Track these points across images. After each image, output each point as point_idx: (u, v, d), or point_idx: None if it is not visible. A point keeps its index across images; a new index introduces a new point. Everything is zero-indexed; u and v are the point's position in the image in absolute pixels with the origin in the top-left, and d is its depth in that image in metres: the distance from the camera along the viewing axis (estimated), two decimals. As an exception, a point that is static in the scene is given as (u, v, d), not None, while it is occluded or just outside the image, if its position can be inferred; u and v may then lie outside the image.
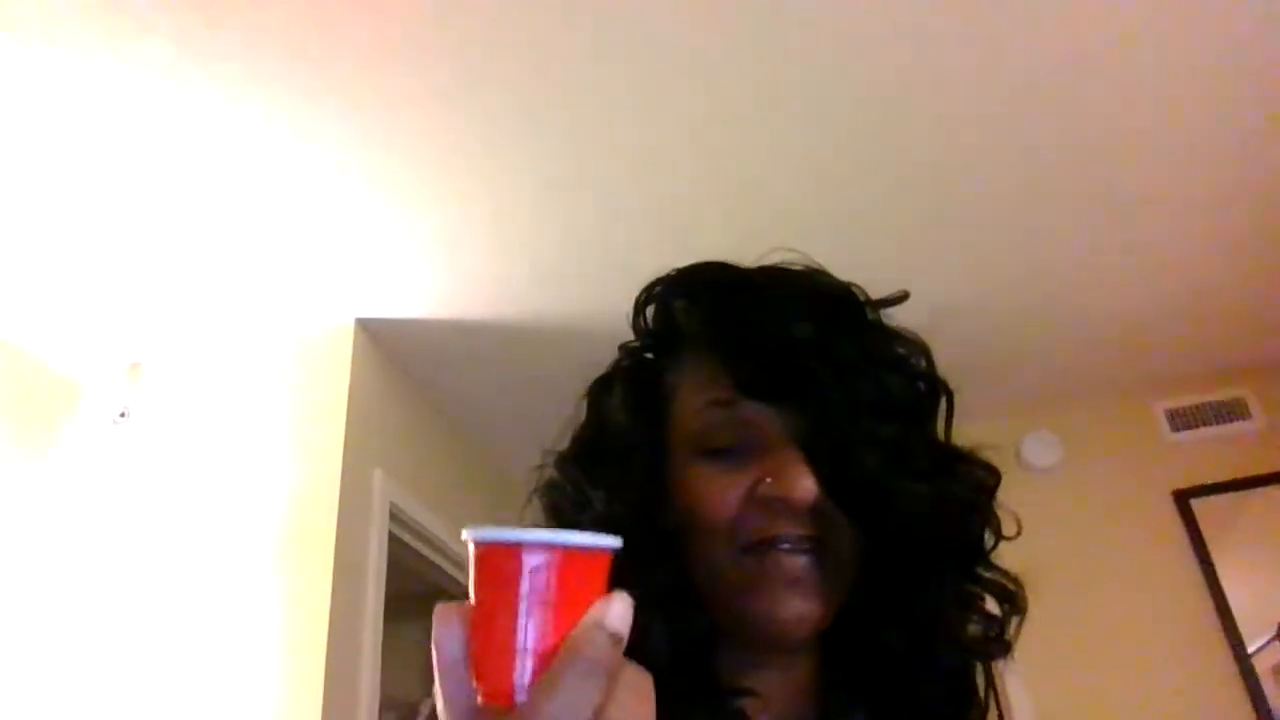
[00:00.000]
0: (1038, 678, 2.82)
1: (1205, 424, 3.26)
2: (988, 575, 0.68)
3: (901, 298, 0.72)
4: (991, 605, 0.70)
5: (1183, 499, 3.15)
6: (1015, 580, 0.69)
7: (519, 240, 2.43)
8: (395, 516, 2.66)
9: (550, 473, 0.74)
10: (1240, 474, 3.13)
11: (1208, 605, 2.98)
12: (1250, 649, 2.88)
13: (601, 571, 0.41)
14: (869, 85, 2.08)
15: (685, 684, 0.63)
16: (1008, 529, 0.69)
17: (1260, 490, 3.10)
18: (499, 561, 0.39)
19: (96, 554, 2.46)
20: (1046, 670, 2.79)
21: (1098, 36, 2.01)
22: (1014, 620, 0.68)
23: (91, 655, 2.32)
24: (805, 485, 0.61)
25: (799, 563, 0.62)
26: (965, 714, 0.67)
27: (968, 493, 0.68)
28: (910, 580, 0.65)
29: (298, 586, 2.28)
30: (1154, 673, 2.91)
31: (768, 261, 0.74)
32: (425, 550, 2.87)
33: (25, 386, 2.60)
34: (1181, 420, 3.28)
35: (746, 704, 0.66)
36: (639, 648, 0.60)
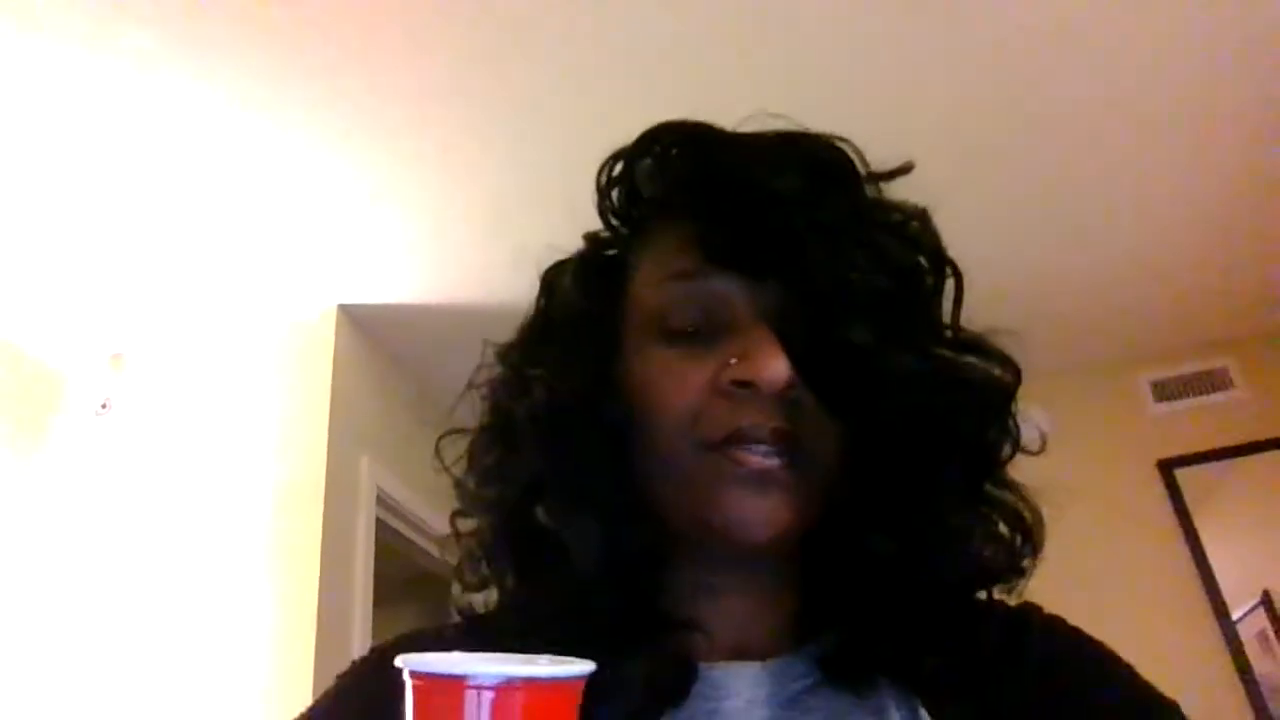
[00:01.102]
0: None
1: (1189, 395, 3.28)
2: (999, 493, 0.58)
3: (905, 169, 0.62)
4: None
5: (1167, 469, 3.16)
6: (1032, 505, 0.59)
7: (503, 224, 2.41)
8: (383, 502, 2.65)
9: (493, 370, 0.65)
10: (1224, 444, 3.15)
11: (1192, 573, 3.01)
12: (1235, 616, 2.91)
13: (569, 707, 0.33)
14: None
15: (620, 611, 0.56)
16: (1029, 441, 0.59)
17: (1243, 459, 3.12)
18: (438, 699, 0.32)
19: (83, 547, 2.44)
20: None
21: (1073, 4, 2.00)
22: (1027, 553, 0.58)
23: (79, 649, 2.31)
24: (775, 366, 0.52)
25: (766, 458, 0.53)
26: (951, 642, 0.57)
27: (977, 384, 0.58)
28: (901, 480, 0.55)
29: (286, 574, 2.28)
30: (1138, 641, 2.88)
31: (747, 127, 0.63)
32: (414, 535, 2.86)
33: (8, 378, 2.57)
34: (1165, 391, 3.30)
35: (695, 639, 0.57)
36: (568, 564, 0.55)
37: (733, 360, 0.54)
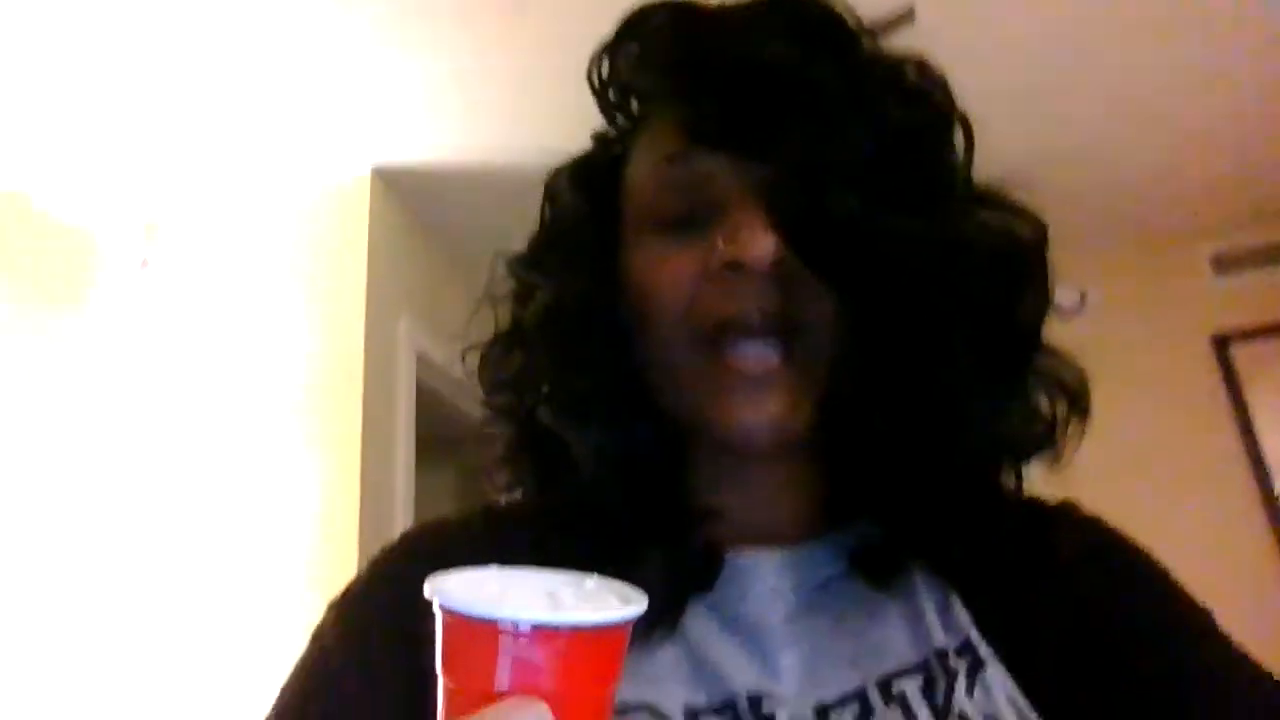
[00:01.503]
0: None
1: (1249, 268, 3.16)
2: (1031, 358, 0.54)
3: (904, 18, 0.58)
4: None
5: (1221, 344, 3.08)
6: (1074, 370, 0.55)
7: (541, 78, 2.32)
8: (422, 362, 2.66)
9: (499, 281, 0.65)
10: (1281, 319, 3.05)
11: (1239, 450, 2.97)
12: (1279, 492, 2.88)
13: (614, 653, 0.31)
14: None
15: (640, 503, 0.56)
16: (1065, 297, 0.56)
17: (1302, 335, 3.03)
18: (471, 638, 0.30)
19: (123, 408, 2.48)
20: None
21: None
22: (1071, 422, 0.55)
23: (119, 506, 2.37)
24: (761, 243, 0.50)
25: (762, 356, 0.52)
26: (984, 534, 0.55)
27: (988, 244, 0.54)
28: (906, 354, 0.52)
29: (328, 436, 2.30)
30: (1182, 514, 2.92)
31: None
32: (454, 395, 2.88)
33: (45, 245, 2.56)
34: (1225, 264, 3.18)
35: (719, 528, 0.56)
36: (588, 462, 0.55)
37: (720, 242, 0.52)
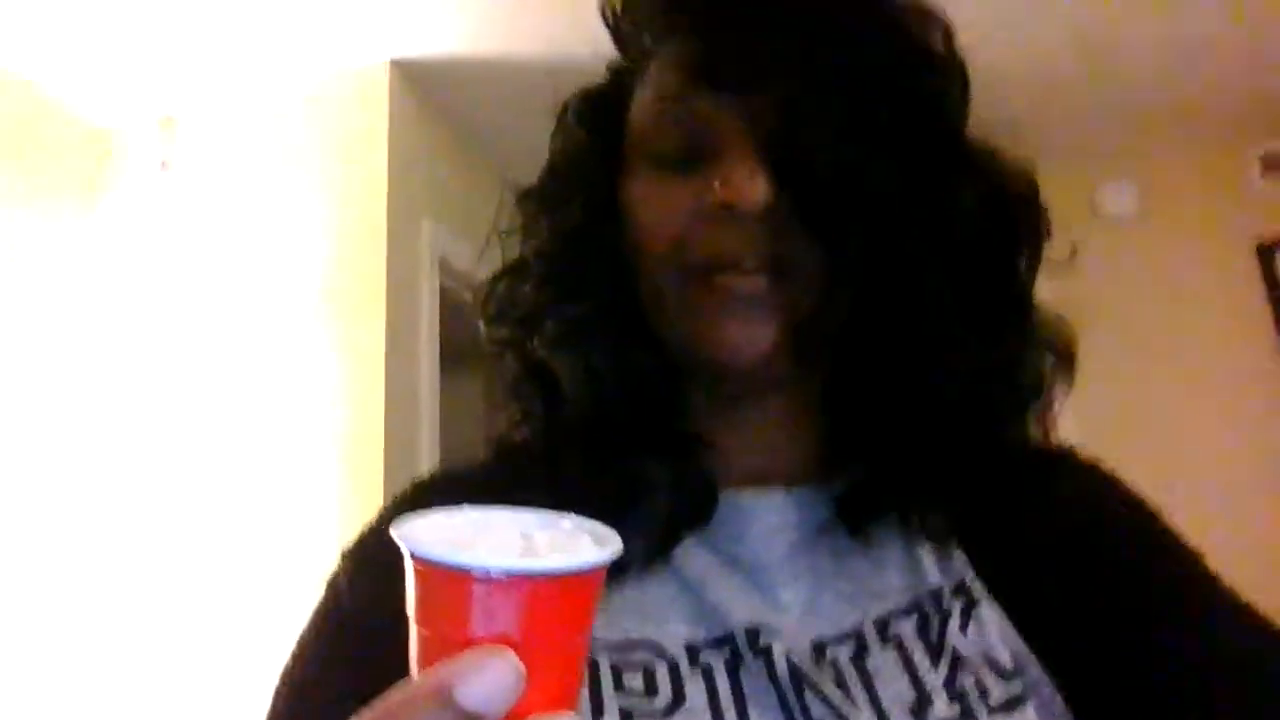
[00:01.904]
0: (1102, 424, 2.80)
1: (1300, 171, 3.03)
2: (1018, 314, 0.57)
3: None
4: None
5: (1266, 252, 2.98)
6: (1061, 324, 0.58)
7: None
8: (445, 268, 2.62)
9: (508, 217, 0.67)
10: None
11: (1280, 360, 2.90)
12: (1319, 402, 2.83)
13: (588, 597, 0.31)
14: None
15: (637, 431, 0.57)
16: (1058, 251, 0.58)
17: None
18: (442, 586, 0.30)
19: (144, 310, 2.47)
20: (1114, 419, 2.79)
21: None
22: (1058, 378, 0.58)
23: (138, 414, 2.38)
24: (756, 186, 0.51)
25: (748, 283, 0.53)
26: (973, 466, 0.56)
27: (982, 197, 0.55)
28: (903, 306, 0.53)
29: (351, 342, 2.29)
30: (1220, 423, 2.89)
31: None
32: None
33: (63, 140, 2.53)
34: (1276, 166, 3.05)
35: (713, 459, 0.58)
36: (586, 395, 0.57)
37: (716, 184, 0.53)
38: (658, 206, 0.56)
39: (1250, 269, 3.00)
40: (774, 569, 0.55)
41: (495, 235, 0.67)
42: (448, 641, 0.29)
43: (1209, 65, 2.76)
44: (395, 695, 0.28)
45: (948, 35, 0.57)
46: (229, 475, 2.26)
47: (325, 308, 2.33)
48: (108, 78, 2.46)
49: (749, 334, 0.54)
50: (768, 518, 0.57)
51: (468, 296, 2.79)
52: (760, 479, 0.59)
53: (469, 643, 0.28)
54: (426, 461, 2.36)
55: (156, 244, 2.52)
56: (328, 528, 2.15)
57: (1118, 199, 3.13)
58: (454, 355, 2.64)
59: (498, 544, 0.31)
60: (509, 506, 0.34)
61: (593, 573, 0.30)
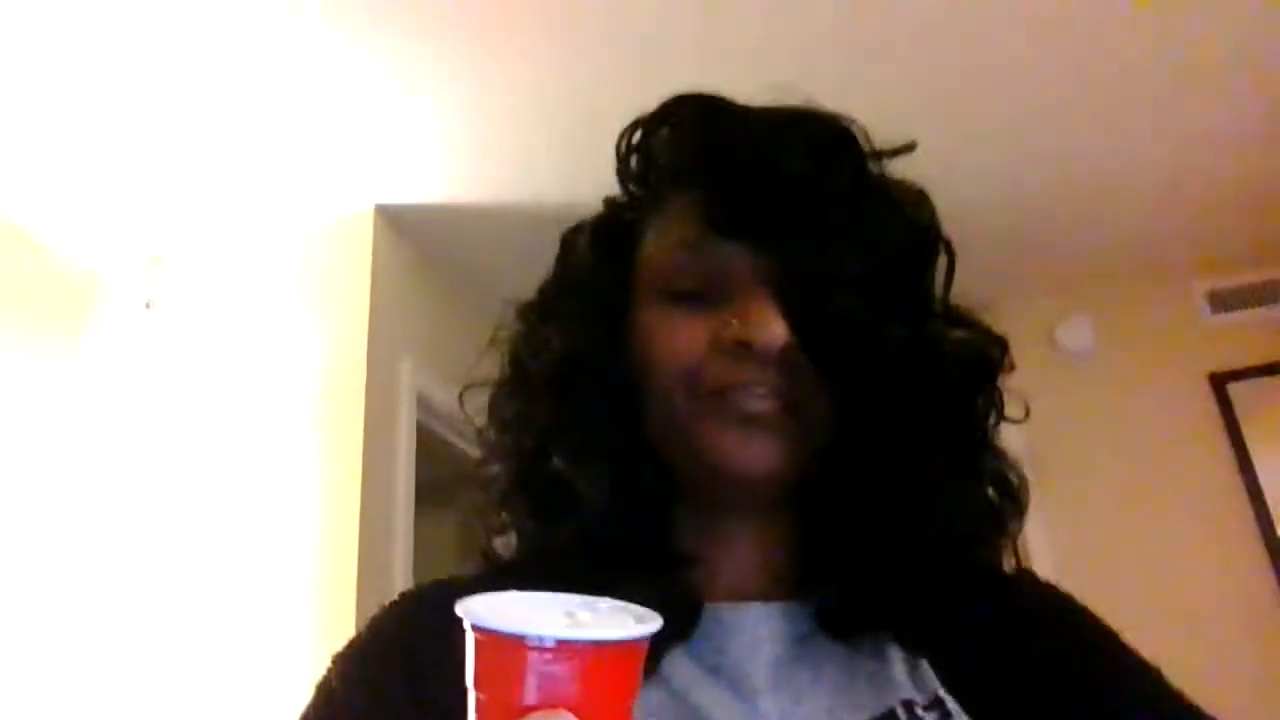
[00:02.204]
0: (1068, 554, 2.83)
1: (1246, 306, 3.18)
2: (984, 458, 0.62)
3: (908, 148, 0.64)
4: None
5: (1219, 382, 3.09)
6: (1017, 470, 0.63)
7: (544, 117, 2.35)
8: (423, 404, 2.66)
9: (513, 327, 0.69)
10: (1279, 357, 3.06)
11: (1239, 488, 2.96)
12: (1280, 530, 2.88)
13: (633, 667, 0.33)
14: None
15: (628, 548, 0.59)
16: (1014, 411, 0.63)
17: (1298, 374, 3.04)
18: (500, 654, 0.32)
19: (125, 447, 2.48)
20: (1077, 549, 2.82)
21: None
22: (1013, 518, 0.63)
23: (119, 545, 2.36)
24: (773, 329, 0.56)
25: (761, 403, 0.57)
26: (945, 592, 0.60)
27: (964, 355, 0.62)
28: (887, 444, 0.59)
29: (329, 475, 2.30)
30: (1183, 552, 2.92)
31: (763, 99, 0.66)
32: (454, 438, 2.88)
33: (49, 280, 2.58)
34: (1221, 302, 3.20)
35: (697, 575, 0.60)
36: (580, 508, 0.60)
37: (733, 321, 0.57)
38: (673, 336, 0.60)
39: (1205, 397, 3.10)
40: (756, 678, 0.57)
41: (489, 345, 0.70)
42: (503, 707, 0.31)
43: (1159, 207, 2.93)
44: None
45: (933, 214, 0.64)
46: (206, 608, 2.24)
47: (304, 443, 2.35)
48: (95, 219, 2.54)
49: (760, 449, 0.57)
50: (750, 630, 0.59)
51: (446, 433, 2.82)
52: (739, 593, 0.61)
53: (523, 709, 0.31)
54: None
55: (141, 382, 2.55)
56: (300, 660, 2.12)
57: (1075, 334, 3.25)
58: (428, 490, 2.65)
59: (546, 619, 0.33)
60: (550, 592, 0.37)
61: (637, 643, 0.33)
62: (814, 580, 0.62)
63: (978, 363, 0.62)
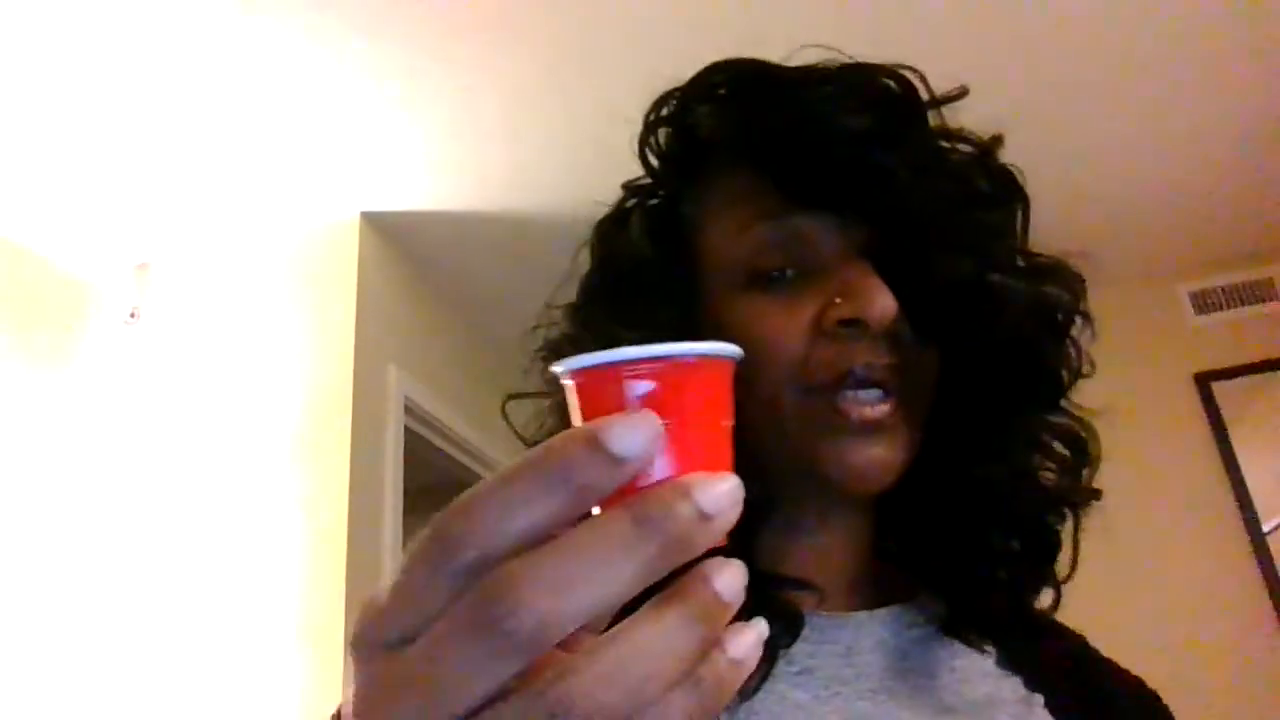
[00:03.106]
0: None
1: (1230, 306, 3.20)
2: (1058, 419, 0.59)
3: (962, 93, 0.60)
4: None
5: (1204, 382, 3.11)
6: (1089, 426, 0.60)
7: (530, 125, 2.35)
8: (411, 411, 2.66)
9: (558, 329, 0.64)
10: (1264, 356, 3.08)
11: (1225, 487, 2.99)
12: (1266, 529, 2.90)
13: (723, 386, 0.34)
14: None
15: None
16: (1086, 366, 0.60)
17: (1281, 373, 3.07)
18: (598, 388, 0.32)
19: (112, 457, 2.47)
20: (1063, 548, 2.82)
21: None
22: (1084, 471, 0.60)
23: (107, 557, 2.35)
24: (884, 301, 0.51)
25: (876, 402, 0.53)
26: (1044, 571, 0.60)
27: (1057, 304, 0.58)
28: (999, 410, 0.56)
29: (316, 483, 2.30)
30: (1169, 551, 2.94)
31: (797, 61, 0.60)
32: (442, 444, 2.88)
33: (35, 289, 2.57)
34: (1205, 303, 3.22)
35: (804, 599, 0.57)
36: None
37: (837, 299, 0.53)
38: (771, 326, 0.55)
39: (1191, 397, 3.12)
40: (860, 685, 0.56)
41: (535, 354, 0.65)
42: None
43: (1143, 209, 2.95)
44: (547, 442, 0.27)
45: (998, 154, 0.60)
46: (194, 615, 2.23)
47: (291, 449, 2.35)
48: (82, 227, 2.53)
49: (879, 458, 0.54)
50: (854, 638, 0.58)
51: (433, 439, 2.82)
52: (832, 599, 0.59)
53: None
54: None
55: (128, 388, 2.54)
56: (289, 667, 2.11)
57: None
58: (417, 497, 2.64)
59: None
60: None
61: (726, 360, 0.34)
62: (889, 584, 0.61)
63: (1067, 313, 0.59)
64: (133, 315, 2.62)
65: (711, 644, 0.26)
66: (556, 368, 0.33)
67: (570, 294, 0.65)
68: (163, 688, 2.17)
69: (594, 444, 0.26)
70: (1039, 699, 0.58)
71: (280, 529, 2.27)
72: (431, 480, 2.92)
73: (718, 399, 0.33)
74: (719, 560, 0.27)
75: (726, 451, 0.33)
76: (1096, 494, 0.60)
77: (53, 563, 2.36)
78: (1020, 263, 0.59)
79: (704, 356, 0.33)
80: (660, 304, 0.60)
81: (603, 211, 0.68)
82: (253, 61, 2.06)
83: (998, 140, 0.60)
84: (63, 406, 2.53)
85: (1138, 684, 0.65)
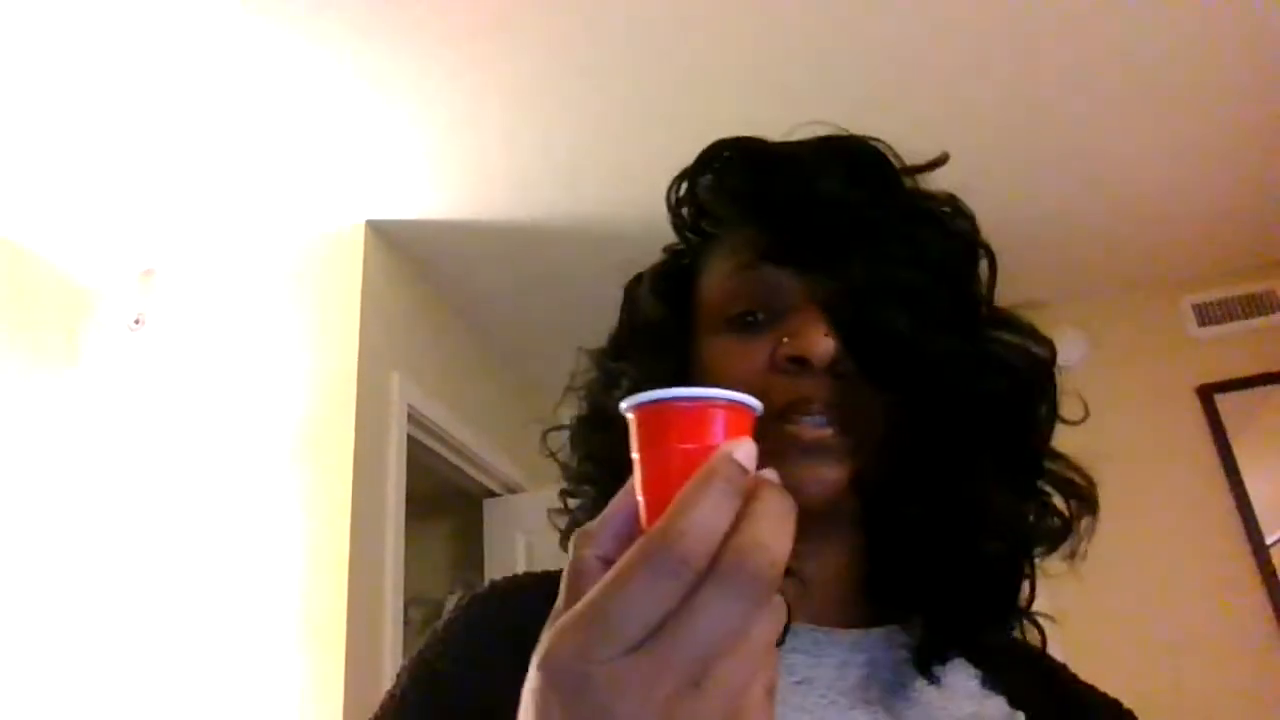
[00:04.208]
0: (1055, 566, 2.83)
1: (1233, 318, 3.20)
2: (1047, 464, 0.63)
3: (940, 161, 0.67)
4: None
5: (1206, 394, 3.11)
6: (1083, 473, 0.64)
7: (533, 136, 2.36)
8: (413, 418, 2.66)
9: (588, 374, 0.75)
10: (1267, 368, 3.08)
11: (1228, 499, 2.98)
12: (1269, 540, 2.89)
13: (746, 428, 0.42)
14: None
15: None
16: (1071, 412, 0.64)
17: (1284, 385, 3.06)
18: (656, 419, 0.41)
19: (117, 462, 2.48)
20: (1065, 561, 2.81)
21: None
22: (1083, 520, 0.64)
23: (111, 561, 2.36)
24: (823, 342, 0.58)
25: (818, 432, 0.59)
26: (1007, 609, 0.63)
27: (1013, 360, 0.63)
28: (947, 454, 0.60)
29: (319, 490, 2.30)
30: (1172, 565, 2.93)
31: (797, 136, 0.70)
32: (444, 451, 2.88)
33: (41, 294, 2.58)
34: (1209, 314, 3.22)
35: (787, 587, 0.62)
36: None
37: (785, 339, 0.60)
38: (735, 362, 0.63)
39: (1194, 409, 3.12)
40: (845, 701, 0.60)
41: (566, 390, 0.75)
42: (657, 460, 0.40)
43: (1147, 221, 2.96)
44: (705, 464, 0.37)
45: (972, 219, 0.67)
46: (198, 620, 2.23)
47: (294, 455, 2.36)
48: (88, 234, 2.55)
49: (818, 474, 0.60)
50: (839, 654, 0.62)
51: (436, 446, 2.83)
52: (811, 620, 0.64)
53: (681, 449, 0.40)
54: (390, 609, 2.34)
55: (133, 394, 2.55)
56: (292, 672, 2.11)
57: (1065, 347, 3.25)
58: (419, 504, 2.65)
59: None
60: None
61: (749, 408, 0.42)
62: (887, 603, 0.65)
63: (1027, 366, 0.63)
64: (137, 321, 2.63)
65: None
66: (623, 404, 0.41)
67: (596, 322, 0.77)
68: (165, 690, 2.18)
69: (727, 457, 0.37)
70: (1021, 717, 0.61)
71: (283, 534, 2.27)
72: (433, 487, 2.93)
73: (742, 434, 0.41)
74: (733, 441, 0.38)
75: None
76: (1068, 532, 0.64)
77: (58, 566, 2.37)
78: (969, 316, 0.63)
79: (732, 402, 0.41)
80: (660, 355, 0.69)
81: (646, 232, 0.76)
82: (258, 69, 2.07)
83: (956, 200, 0.67)
84: (68, 412, 2.54)
85: (1114, 704, 0.69)
